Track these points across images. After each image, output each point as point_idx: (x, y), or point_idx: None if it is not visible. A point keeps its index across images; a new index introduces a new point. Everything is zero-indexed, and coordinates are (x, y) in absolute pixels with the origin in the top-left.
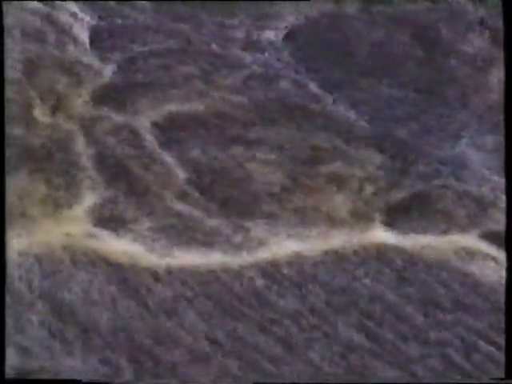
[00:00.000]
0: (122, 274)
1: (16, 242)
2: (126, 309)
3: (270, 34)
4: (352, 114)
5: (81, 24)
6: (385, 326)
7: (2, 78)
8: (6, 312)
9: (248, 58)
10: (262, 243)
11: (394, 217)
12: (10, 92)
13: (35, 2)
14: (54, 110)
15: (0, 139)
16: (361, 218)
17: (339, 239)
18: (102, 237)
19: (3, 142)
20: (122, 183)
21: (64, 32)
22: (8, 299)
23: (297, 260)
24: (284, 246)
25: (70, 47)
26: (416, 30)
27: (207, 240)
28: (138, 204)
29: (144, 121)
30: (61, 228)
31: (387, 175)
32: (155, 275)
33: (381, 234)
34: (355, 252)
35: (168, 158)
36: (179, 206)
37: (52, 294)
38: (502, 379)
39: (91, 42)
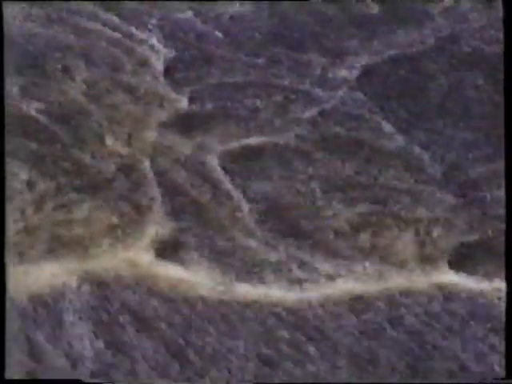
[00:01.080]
0: (182, 304)
1: (76, 268)
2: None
3: (344, 72)
4: (425, 155)
5: (157, 55)
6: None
7: (2, 78)
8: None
9: (322, 94)
10: (324, 279)
11: (462, 260)
12: (81, 119)
13: (114, 31)
14: (124, 138)
15: (0, 139)
16: (427, 259)
17: (403, 279)
18: (164, 266)
19: (3, 142)
20: (187, 214)
21: (140, 62)
22: (66, 318)
23: (357, 298)
24: (347, 283)
25: (145, 77)
26: (492, 72)
27: (269, 273)
28: (202, 235)
29: (213, 152)
30: (124, 256)
31: (457, 217)
32: (217, 307)
33: (447, 276)
34: (419, 293)
35: (235, 191)
36: (243, 239)
37: (107, 323)
38: (502, 379)
39: (166, 73)
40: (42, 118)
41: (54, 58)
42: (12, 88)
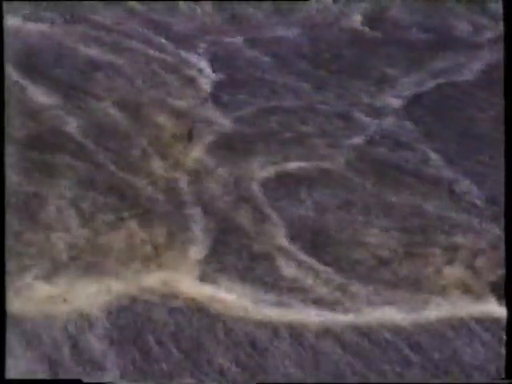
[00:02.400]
0: (221, 326)
1: (114, 286)
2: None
3: (392, 100)
4: (470, 185)
5: (205, 79)
6: None
7: (2, 78)
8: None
9: (370, 122)
10: (363, 306)
11: (505, 290)
12: (123, 139)
13: (162, 53)
14: (167, 159)
15: (0, 139)
16: (470, 289)
17: (445, 309)
18: (203, 287)
19: (3, 143)
20: (226, 235)
21: (188, 85)
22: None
23: (398, 327)
24: (387, 311)
25: (192, 100)
26: None
27: (307, 298)
28: (240, 257)
29: (255, 175)
30: (162, 276)
31: (501, 248)
32: (250, 328)
33: (491, 307)
34: (461, 323)
35: (274, 214)
36: (282, 263)
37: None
38: (502, 379)
39: (213, 96)
40: (82, 137)
41: (96, 77)
42: (51, 103)
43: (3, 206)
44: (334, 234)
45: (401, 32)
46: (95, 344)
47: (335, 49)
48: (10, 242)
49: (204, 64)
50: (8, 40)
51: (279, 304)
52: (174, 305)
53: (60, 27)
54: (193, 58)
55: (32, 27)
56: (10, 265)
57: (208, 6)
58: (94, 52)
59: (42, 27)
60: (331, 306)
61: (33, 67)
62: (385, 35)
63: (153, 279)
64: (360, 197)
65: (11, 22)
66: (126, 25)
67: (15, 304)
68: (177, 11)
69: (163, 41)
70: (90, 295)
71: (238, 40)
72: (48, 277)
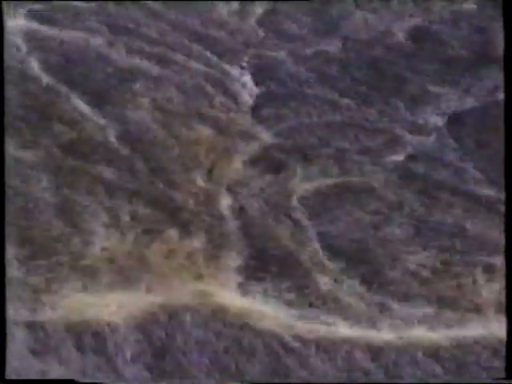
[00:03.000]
0: (256, 337)
1: (151, 297)
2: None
3: (435, 119)
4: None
5: (248, 92)
6: None
7: (1, 78)
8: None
9: (411, 139)
10: (399, 322)
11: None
12: (163, 150)
13: (203, 65)
14: (206, 171)
15: (0, 137)
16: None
17: (480, 328)
18: (239, 299)
19: (3, 143)
20: (264, 249)
21: (230, 98)
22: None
23: (433, 343)
24: (422, 328)
25: (234, 113)
26: None
27: (342, 314)
28: (278, 272)
29: (295, 191)
30: (200, 287)
31: None
32: (284, 340)
33: None
34: (496, 342)
35: (313, 231)
36: (319, 279)
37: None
38: (502, 379)
39: (254, 110)
40: (123, 147)
41: (138, 88)
42: (89, 113)
43: (3, 205)
44: (371, 251)
45: (445, 48)
46: (125, 353)
47: (378, 65)
48: (46, 249)
49: (247, 77)
50: (44, 47)
51: (314, 318)
52: (210, 316)
53: (102, 36)
54: (236, 71)
55: (72, 35)
56: (47, 274)
57: (252, 21)
58: (136, 63)
59: (82, 36)
60: (367, 322)
61: (72, 75)
62: (428, 51)
63: (190, 291)
64: (399, 214)
65: (45, 29)
66: (170, 37)
67: (50, 313)
68: (221, 25)
69: (207, 54)
70: (125, 305)
71: (281, 54)
72: (84, 286)
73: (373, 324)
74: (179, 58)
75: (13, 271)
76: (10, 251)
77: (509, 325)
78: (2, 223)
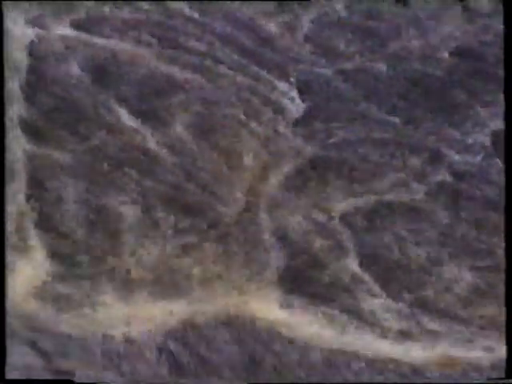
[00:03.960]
0: (292, 350)
1: (186, 308)
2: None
3: (482, 138)
4: None
5: (294, 107)
6: None
7: (2, 78)
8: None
9: (457, 158)
10: (435, 341)
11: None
12: (202, 161)
13: (250, 78)
14: (247, 185)
15: (0, 138)
16: None
17: None
18: (276, 312)
19: (3, 142)
20: (302, 263)
21: (276, 112)
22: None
23: (470, 364)
24: (461, 348)
25: (278, 127)
26: None
27: (378, 329)
28: (315, 286)
29: (336, 206)
30: (237, 300)
31: None
32: (327, 357)
33: None
34: None
35: (352, 247)
36: (357, 295)
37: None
38: (502, 379)
39: (299, 125)
40: (163, 156)
41: (183, 100)
42: (132, 124)
43: (3, 205)
44: (411, 269)
45: (494, 67)
46: (162, 364)
47: (425, 83)
48: (79, 259)
49: (294, 93)
50: (87, 55)
51: (352, 333)
52: (245, 328)
53: (150, 48)
54: (283, 86)
55: (118, 45)
56: (85, 282)
57: (300, 36)
58: (182, 74)
59: (128, 46)
60: (404, 339)
61: (116, 85)
62: (477, 70)
63: (226, 302)
64: (441, 232)
65: (87, 37)
66: (218, 50)
67: (87, 324)
68: (269, 40)
69: (254, 68)
70: (162, 316)
71: (328, 71)
72: (121, 298)
73: (410, 340)
74: (226, 71)
75: (49, 280)
76: (45, 261)
77: (509, 325)
78: (1, 222)
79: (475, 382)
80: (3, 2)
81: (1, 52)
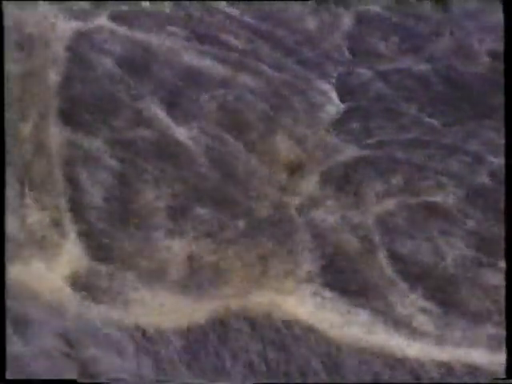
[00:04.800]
0: (325, 347)
1: (219, 303)
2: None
3: None
4: None
5: (333, 107)
6: None
7: (2, 78)
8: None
9: (496, 161)
10: (469, 342)
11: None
12: (236, 158)
13: (290, 76)
14: (282, 183)
15: (0, 139)
16: None
17: None
18: (308, 308)
19: (3, 142)
20: (335, 263)
21: (313, 110)
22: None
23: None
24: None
25: (315, 125)
26: None
27: (412, 331)
28: (348, 285)
29: (370, 207)
30: (270, 296)
31: None
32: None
33: None
34: None
35: (385, 248)
36: (388, 294)
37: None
38: (502, 379)
39: (337, 125)
40: (198, 150)
41: (221, 96)
42: (164, 117)
43: (3, 205)
44: (444, 272)
45: None
46: (198, 358)
47: (466, 86)
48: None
49: (333, 92)
50: (125, 49)
51: (381, 333)
52: (278, 324)
53: (190, 44)
54: (322, 85)
55: (157, 40)
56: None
57: (340, 36)
58: (221, 71)
59: (167, 41)
60: (436, 341)
61: (152, 79)
62: None
63: (258, 299)
64: (478, 236)
65: (125, 29)
66: (257, 47)
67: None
68: (309, 39)
69: (294, 66)
70: (194, 311)
71: (368, 72)
72: (152, 291)
73: (442, 343)
74: (265, 68)
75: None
76: (80, 254)
77: (509, 324)
78: (1, 221)
79: (475, 382)
80: (3, 2)
81: (1, 52)
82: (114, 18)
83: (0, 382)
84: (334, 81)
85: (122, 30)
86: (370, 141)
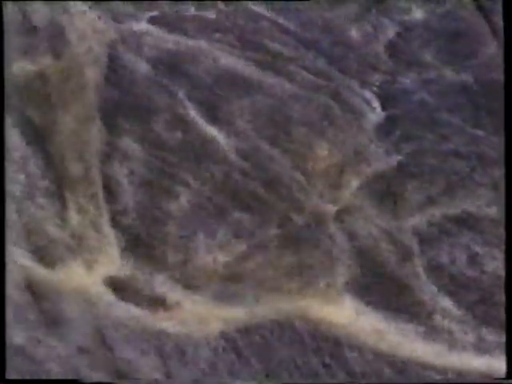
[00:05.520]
0: (355, 355)
1: (256, 309)
2: None
3: None
4: None
5: (373, 115)
6: None
7: (2, 78)
8: None
9: None
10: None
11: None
12: (274, 166)
13: (330, 83)
14: (319, 192)
15: (0, 137)
16: None
17: None
18: (343, 315)
19: (3, 143)
20: (372, 271)
21: (354, 117)
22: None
23: None
24: None
25: (355, 133)
26: None
27: (449, 341)
28: (384, 294)
29: (409, 218)
30: (303, 304)
31: None
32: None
33: None
34: None
35: (420, 254)
36: (424, 304)
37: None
38: (502, 379)
39: (377, 133)
40: (235, 157)
41: (258, 102)
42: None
43: (3, 205)
44: (483, 283)
45: None
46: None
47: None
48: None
49: (374, 100)
50: (164, 52)
51: (418, 341)
52: (312, 331)
53: (230, 48)
54: (364, 92)
55: (199, 45)
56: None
57: (381, 44)
58: (262, 77)
59: (208, 46)
60: (473, 351)
61: (190, 83)
62: None
63: (293, 308)
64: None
65: (165, 34)
66: (299, 53)
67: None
68: (351, 46)
69: (336, 73)
70: (224, 317)
71: (411, 80)
72: (184, 296)
73: (480, 354)
74: (306, 75)
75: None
76: (119, 256)
77: (509, 324)
78: (1, 221)
79: (476, 382)
80: (3, 2)
81: (1, 52)
82: (155, 21)
83: (0, 381)
84: (376, 89)
85: (162, 33)
86: (410, 150)
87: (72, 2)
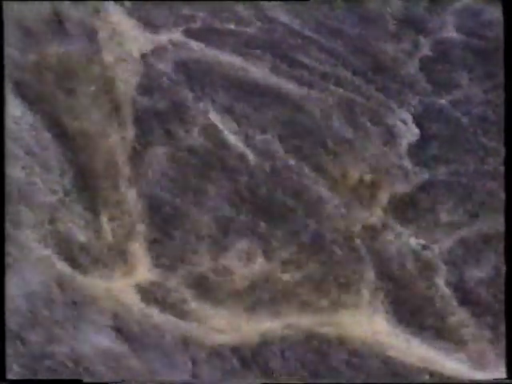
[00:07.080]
0: (381, 367)
1: (282, 322)
2: None
3: None
4: None
5: (408, 133)
6: None
7: (2, 78)
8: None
9: None
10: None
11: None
12: (303, 180)
13: (365, 100)
14: (347, 205)
15: (0, 139)
16: None
17: None
18: (369, 330)
19: (3, 143)
20: (397, 288)
21: (387, 135)
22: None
23: None
24: None
25: (388, 151)
26: None
27: (473, 359)
28: (413, 316)
29: (437, 238)
30: (334, 318)
31: None
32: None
33: None
34: None
35: (446, 274)
36: (450, 322)
37: None
38: (502, 379)
39: (410, 152)
40: (264, 171)
41: (290, 116)
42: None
43: (3, 206)
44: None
45: None
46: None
47: None
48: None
49: (409, 119)
50: (197, 65)
51: (443, 357)
52: (338, 344)
53: (264, 63)
54: (398, 110)
55: (230, 59)
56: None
57: (417, 63)
58: (295, 91)
59: (242, 60)
60: (494, 368)
61: (219, 93)
62: None
63: (319, 321)
64: None
65: (201, 47)
66: (333, 69)
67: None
68: (385, 64)
69: (371, 91)
70: (253, 329)
71: (446, 103)
72: (213, 306)
73: (499, 370)
74: (340, 91)
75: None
76: (146, 265)
77: (509, 324)
78: (1, 221)
79: (476, 382)
80: (3, 2)
81: (1, 53)
82: (189, 33)
83: (0, 381)
84: (412, 108)
85: (197, 45)
86: (444, 170)
87: (110, 7)
